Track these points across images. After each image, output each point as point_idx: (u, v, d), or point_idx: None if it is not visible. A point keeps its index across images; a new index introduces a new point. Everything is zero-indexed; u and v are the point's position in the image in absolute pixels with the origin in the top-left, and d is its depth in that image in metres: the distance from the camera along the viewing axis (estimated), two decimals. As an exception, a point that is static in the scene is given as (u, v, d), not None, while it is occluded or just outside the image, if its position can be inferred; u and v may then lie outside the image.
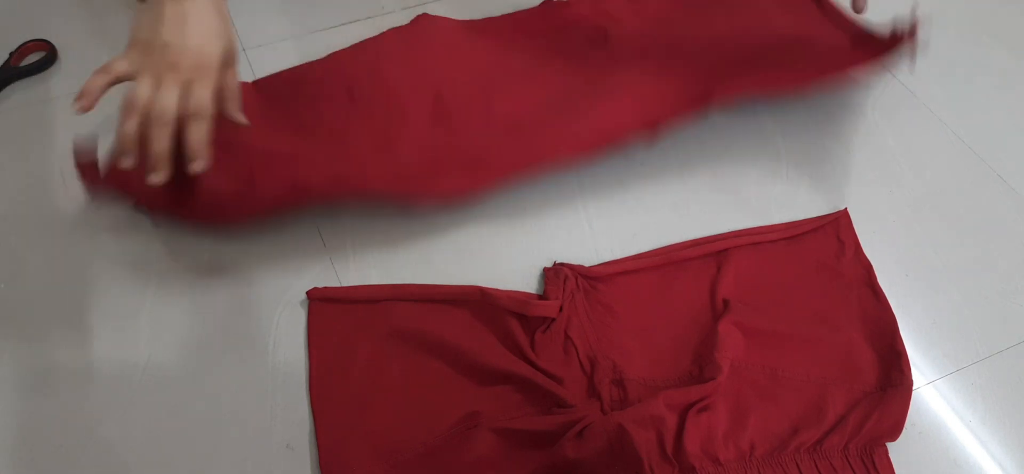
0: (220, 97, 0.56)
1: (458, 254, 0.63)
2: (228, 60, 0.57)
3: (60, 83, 0.76)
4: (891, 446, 0.53)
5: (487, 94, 0.71)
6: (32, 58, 0.77)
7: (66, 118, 0.72)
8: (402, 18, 0.84)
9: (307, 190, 0.62)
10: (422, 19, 0.79)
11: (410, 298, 0.59)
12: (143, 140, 0.53)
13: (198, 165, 0.54)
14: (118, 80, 0.54)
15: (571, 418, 0.51)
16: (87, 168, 0.62)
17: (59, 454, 0.51)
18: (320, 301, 0.59)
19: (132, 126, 0.52)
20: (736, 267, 0.62)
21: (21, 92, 0.75)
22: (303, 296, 0.59)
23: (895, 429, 0.53)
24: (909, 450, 0.53)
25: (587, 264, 0.62)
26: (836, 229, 0.65)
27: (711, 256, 0.63)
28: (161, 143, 0.52)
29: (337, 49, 0.79)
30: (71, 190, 0.66)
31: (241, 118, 0.59)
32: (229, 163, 0.62)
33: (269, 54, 0.79)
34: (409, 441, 0.52)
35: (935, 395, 0.57)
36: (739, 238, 0.64)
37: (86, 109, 0.53)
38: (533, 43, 0.78)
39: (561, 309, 0.57)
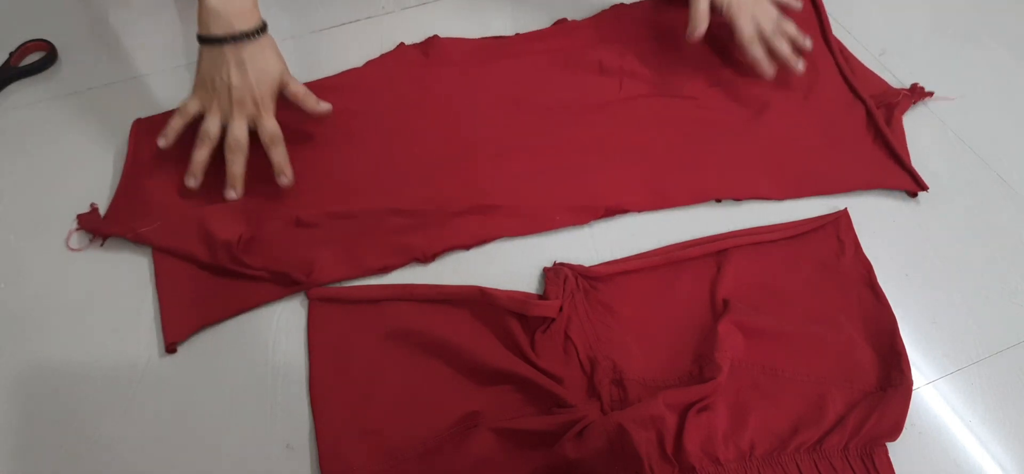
0: (297, 102, 0.67)
1: (458, 254, 0.63)
2: (284, 83, 0.66)
3: (60, 83, 0.76)
4: (891, 446, 0.53)
5: (497, 142, 0.70)
6: (32, 58, 0.77)
7: (66, 118, 0.73)
8: (402, 18, 0.84)
9: (311, 226, 0.63)
10: (433, 46, 0.79)
11: (410, 298, 0.59)
12: (201, 166, 0.64)
13: (285, 179, 0.64)
14: (192, 118, 0.65)
15: (571, 418, 0.51)
16: (87, 218, 0.63)
17: (59, 454, 0.51)
18: (320, 301, 0.59)
19: (204, 154, 0.63)
20: (736, 267, 0.62)
21: (21, 92, 0.75)
22: (303, 296, 0.59)
23: (895, 429, 0.53)
24: (909, 450, 0.53)
25: (587, 264, 0.62)
26: (836, 229, 0.65)
27: (711, 256, 0.63)
28: (236, 167, 0.63)
29: (336, 49, 0.80)
30: (71, 192, 0.66)
31: (324, 107, 0.67)
32: (232, 207, 0.63)
33: (269, 54, 0.79)
34: (409, 441, 0.52)
35: (935, 395, 0.57)
36: (739, 238, 0.63)
37: (167, 145, 0.64)
38: (546, 73, 0.77)
39: (561, 309, 0.57)
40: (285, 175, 0.64)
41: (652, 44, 0.80)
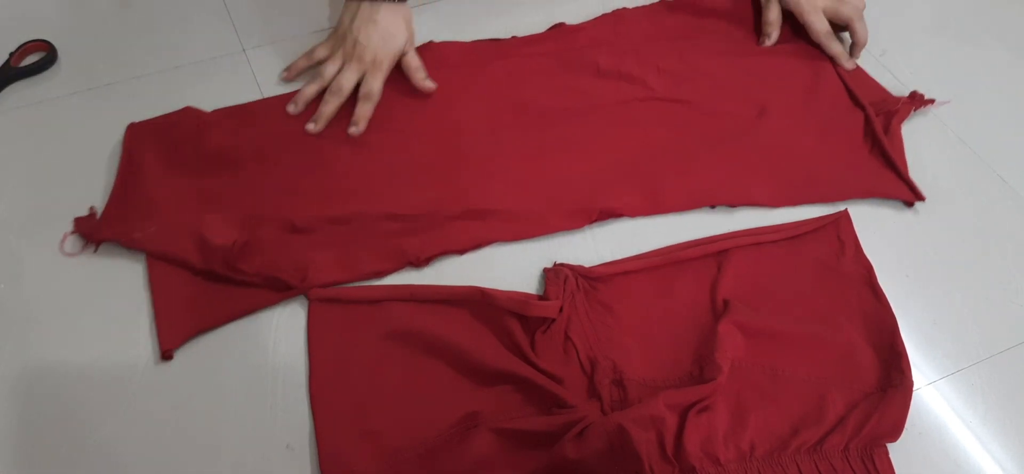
0: (408, 73, 0.73)
1: (458, 254, 0.63)
2: (405, 49, 0.73)
3: (60, 83, 0.76)
4: (891, 447, 0.53)
5: (492, 145, 0.70)
6: (32, 58, 0.77)
7: (66, 118, 0.72)
8: (402, 18, 0.84)
9: (306, 231, 0.62)
10: (429, 50, 0.78)
11: (410, 298, 0.59)
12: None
13: (355, 130, 0.70)
14: (317, 62, 0.74)
15: (571, 418, 0.51)
16: (84, 222, 0.63)
17: (59, 454, 0.51)
18: (320, 301, 0.59)
19: (313, 90, 0.72)
20: (736, 267, 0.62)
21: (21, 92, 0.75)
22: (303, 297, 0.59)
23: (895, 430, 0.53)
24: (909, 451, 0.53)
25: (587, 264, 0.62)
26: (836, 229, 0.65)
27: (711, 256, 0.63)
28: (330, 106, 0.70)
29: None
30: (71, 192, 0.66)
31: (429, 85, 0.73)
32: (224, 216, 0.62)
33: (269, 54, 0.79)
34: (409, 441, 0.52)
35: (935, 395, 0.57)
36: (739, 238, 0.63)
37: (289, 78, 0.75)
38: (541, 75, 0.77)
39: (561, 309, 0.57)
40: (357, 126, 0.69)
41: (651, 47, 0.80)
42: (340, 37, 0.72)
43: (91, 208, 0.64)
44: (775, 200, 0.67)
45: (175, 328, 0.57)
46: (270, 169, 0.67)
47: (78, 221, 0.63)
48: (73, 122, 0.72)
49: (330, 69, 0.71)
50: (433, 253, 0.62)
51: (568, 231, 0.65)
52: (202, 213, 0.63)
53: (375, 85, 0.70)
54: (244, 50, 0.80)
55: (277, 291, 0.59)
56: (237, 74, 0.77)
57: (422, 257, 0.61)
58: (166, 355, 0.56)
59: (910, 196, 0.68)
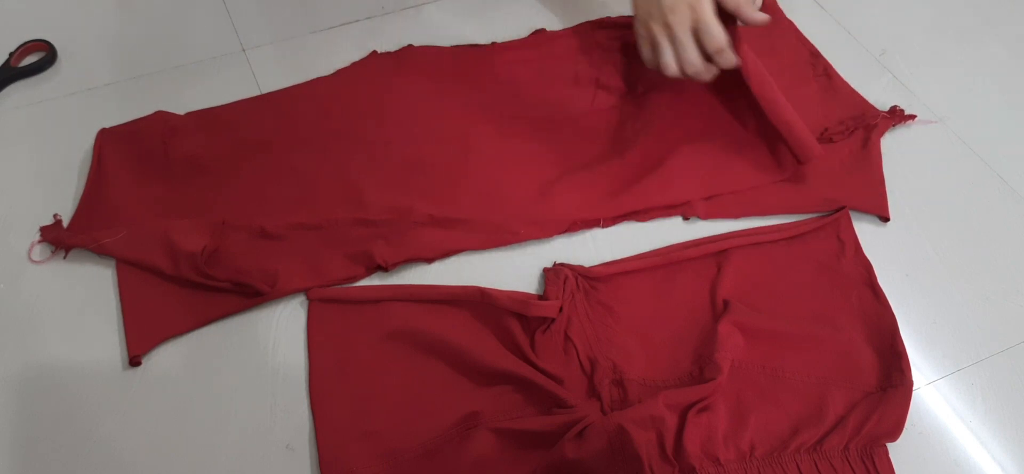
0: (735, 11, 0.65)
1: (458, 254, 0.63)
2: None
3: (60, 83, 0.76)
4: (891, 446, 0.53)
5: (463, 152, 0.69)
6: (32, 58, 0.77)
7: (66, 118, 0.73)
8: (402, 19, 0.84)
9: (276, 237, 0.62)
10: (406, 53, 0.78)
11: (410, 298, 0.59)
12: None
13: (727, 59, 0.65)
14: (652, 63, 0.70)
15: (571, 418, 0.51)
16: (50, 230, 0.62)
17: (59, 454, 0.51)
18: (320, 301, 0.59)
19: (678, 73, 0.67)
20: (736, 267, 0.62)
21: (21, 92, 0.75)
22: (303, 296, 0.59)
23: (895, 429, 0.53)
24: (909, 450, 0.53)
25: (587, 264, 0.62)
26: (836, 229, 0.65)
27: (711, 256, 0.63)
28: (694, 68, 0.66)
29: (336, 49, 0.79)
30: (71, 192, 0.66)
31: (761, 17, 0.66)
32: (195, 223, 0.62)
33: (269, 54, 0.79)
34: (409, 441, 0.52)
35: (935, 395, 0.57)
36: (739, 238, 0.63)
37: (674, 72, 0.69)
38: (518, 83, 0.76)
39: (561, 309, 0.57)
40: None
41: (632, 57, 0.78)
42: (645, 19, 0.68)
43: (56, 215, 0.63)
44: (744, 212, 0.66)
45: (144, 334, 0.57)
46: (240, 175, 0.67)
47: (44, 229, 0.62)
48: (73, 122, 0.72)
49: (668, 59, 0.67)
50: (401, 259, 0.61)
51: (538, 240, 0.64)
52: (172, 218, 0.62)
53: (716, 30, 0.64)
54: (244, 50, 0.80)
55: (247, 297, 0.58)
56: (237, 74, 0.77)
57: (391, 262, 0.61)
58: (134, 361, 0.55)
59: (882, 212, 0.67)
